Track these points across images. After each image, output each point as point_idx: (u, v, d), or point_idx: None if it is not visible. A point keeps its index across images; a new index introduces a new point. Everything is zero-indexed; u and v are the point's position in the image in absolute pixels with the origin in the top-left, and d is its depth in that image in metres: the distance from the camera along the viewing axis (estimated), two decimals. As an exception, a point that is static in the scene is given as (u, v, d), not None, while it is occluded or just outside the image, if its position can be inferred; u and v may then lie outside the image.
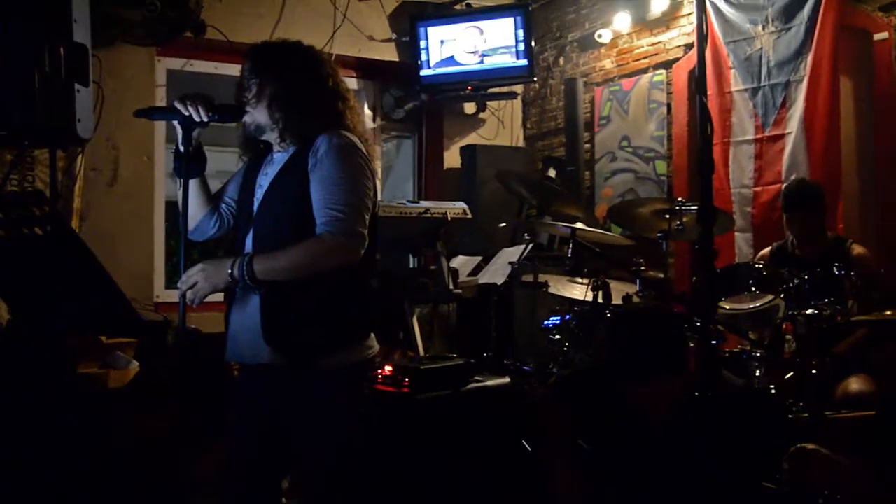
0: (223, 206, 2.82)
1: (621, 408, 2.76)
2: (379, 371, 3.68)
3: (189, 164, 2.61)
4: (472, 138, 6.78)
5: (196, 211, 2.71)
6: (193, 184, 2.66)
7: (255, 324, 2.54)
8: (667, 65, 5.78)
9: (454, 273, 4.72)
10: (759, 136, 5.10)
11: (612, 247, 4.52)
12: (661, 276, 4.08)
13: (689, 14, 5.60)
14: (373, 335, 2.69)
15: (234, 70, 5.99)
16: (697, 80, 2.22)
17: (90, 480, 3.72)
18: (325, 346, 2.54)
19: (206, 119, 2.59)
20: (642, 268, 3.82)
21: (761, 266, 3.73)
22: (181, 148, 2.61)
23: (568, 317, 4.45)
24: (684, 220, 3.91)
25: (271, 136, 2.66)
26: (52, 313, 2.21)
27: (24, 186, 5.13)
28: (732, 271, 3.70)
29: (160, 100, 5.80)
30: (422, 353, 4.63)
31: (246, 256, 2.49)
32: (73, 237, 2.03)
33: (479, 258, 5.35)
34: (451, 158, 6.74)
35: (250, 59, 2.68)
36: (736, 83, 5.21)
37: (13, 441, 3.68)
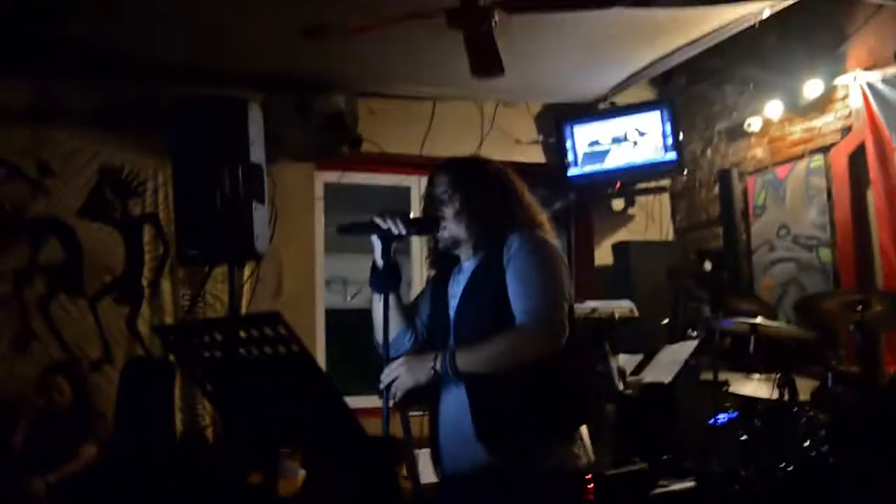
0: (417, 321, 2.85)
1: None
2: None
3: (388, 278, 2.66)
4: (621, 234, 6.73)
5: (392, 326, 2.72)
6: (390, 298, 2.69)
7: (465, 425, 2.53)
8: (824, 150, 5.63)
9: (622, 373, 4.65)
10: (931, 217, 4.88)
11: (792, 340, 4.37)
12: (855, 368, 3.91)
13: (844, 97, 5.47)
14: (581, 439, 2.63)
15: (385, 180, 6.33)
16: None
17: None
18: (538, 440, 2.49)
19: (404, 233, 2.66)
20: (833, 361, 3.67)
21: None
22: (379, 262, 2.68)
23: (736, 414, 4.29)
24: (877, 309, 3.75)
25: (464, 249, 2.71)
26: (273, 427, 2.26)
27: (197, 302, 5.37)
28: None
29: (319, 211, 6.03)
30: (591, 456, 4.53)
31: (449, 349, 2.51)
32: (308, 357, 2.08)
33: (641, 356, 5.25)
34: (602, 256, 6.71)
35: (444, 174, 2.75)
36: (902, 164, 5.03)
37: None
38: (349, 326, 6.81)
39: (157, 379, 4.24)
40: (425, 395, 2.68)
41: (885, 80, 5.10)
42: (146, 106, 5.10)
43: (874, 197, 5.24)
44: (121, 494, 3.84)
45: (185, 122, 4.15)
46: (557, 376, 2.55)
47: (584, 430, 4.43)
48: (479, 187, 2.69)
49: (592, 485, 3.53)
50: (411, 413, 4.16)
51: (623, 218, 6.81)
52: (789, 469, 3.50)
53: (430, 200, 2.76)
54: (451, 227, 2.68)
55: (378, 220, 2.64)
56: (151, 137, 5.19)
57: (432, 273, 2.89)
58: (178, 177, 4.26)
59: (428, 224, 2.73)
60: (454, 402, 2.58)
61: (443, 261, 2.82)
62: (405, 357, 2.58)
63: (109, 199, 5.27)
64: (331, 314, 6.21)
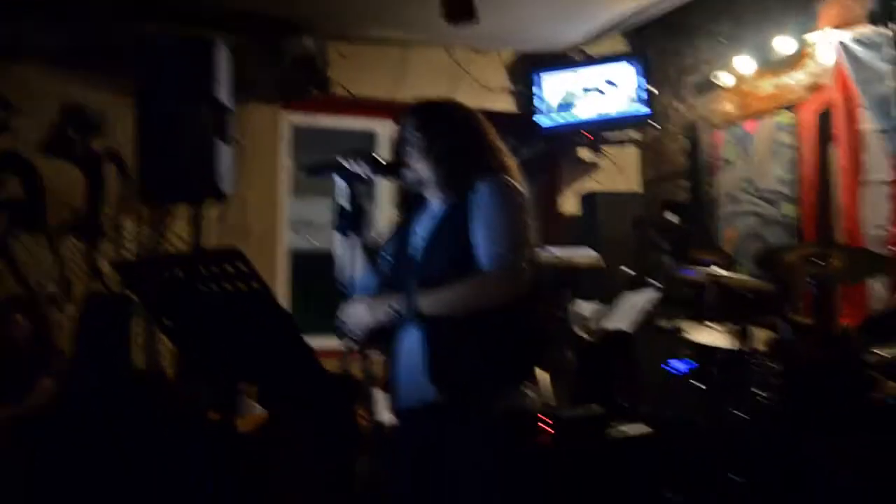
0: (381, 262, 2.85)
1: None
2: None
3: (353, 220, 2.66)
4: (589, 185, 6.75)
5: (356, 267, 2.73)
6: (354, 240, 2.69)
7: (419, 364, 2.55)
8: (792, 106, 5.66)
9: (583, 320, 4.69)
10: (894, 177, 4.94)
11: (750, 291, 4.42)
12: (809, 320, 3.98)
13: (814, 54, 5.48)
14: (535, 381, 2.67)
15: (354, 124, 6.28)
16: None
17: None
18: (493, 384, 2.53)
19: (370, 174, 2.65)
20: (789, 313, 3.73)
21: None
22: (344, 204, 2.67)
23: (693, 363, 4.36)
24: (836, 263, 3.80)
25: (431, 190, 2.71)
26: (232, 364, 2.27)
27: (160, 240, 5.35)
28: (889, 317, 3.58)
29: (285, 154, 5.98)
30: (551, 400, 4.60)
31: (410, 290, 2.52)
32: (268, 293, 2.08)
33: (602, 304, 5.31)
34: (568, 205, 6.73)
35: (414, 117, 2.73)
36: (868, 123, 5.07)
37: (149, 483, 3.79)
38: (314, 269, 6.80)
39: (116, 315, 4.22)
40: (386, 336, 2.70)
41: (856, 39, 5.12)
42: (113, 43, 5.01)
43: (839, 154, 5.29)
44: (78, 431, 3.84)
45: (152, 60, 4.12)
46: (515, 322, 2.58)
47: (543, 374, 4.52)
48: (446, 129, 2.68)
49: (550, 426, 3.59)
50: (371, 354, 4.19)
51: (592, 168, 6.82)
52: (743, 416, 3.57)
53: (399, 142, 2.75)
54: (417, 168, 2.68)
55: (343, 161, 2.63)
56: (117, 75, 5.11)
57: (399, 213, 2.89)
58: (142, 115, 4.23)
59: (393, 166, 2.73)
60: (411, 342, 2.59)
61: (410, 202, 2.81)
62: (366, 297, 2.59)
63: (72, 137, 5.19)
64: (295, 256, 6.21)
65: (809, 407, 2.68)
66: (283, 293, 5.98)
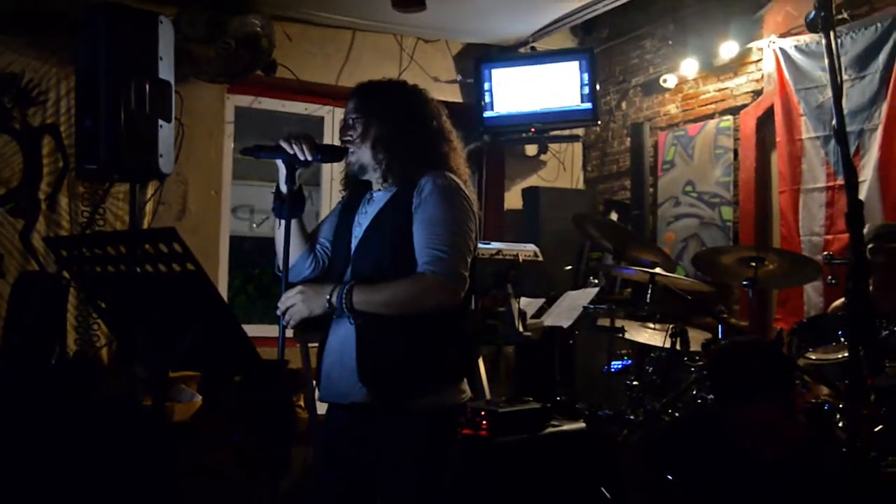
0: (318, 246, 2.81)
1: (725, 453, 2.69)
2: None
3: (291, 204, 2.61)
4: (532, 180, 6.79)
5: (293, 251, 2.69)
6: (292, 224, 2.63)
7: (349, 361, 2.52)
8: (734, 111, 5.76)
9: (523, 315, 4.70)
10: (830, 183, 5.05)
11: (688, 293, 4.48)
12: (745, 323, 4.04)
13: (757, 61, 5.58)
14: (465, 380, 2.66)
15: (299, 108, 6.21)
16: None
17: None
18: (420, 386, 2.51)
19: (310, 158, 2.59)
20: (724, 314, 3.78)
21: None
22: (283, 187, 2.62)
23: (630, 361, 4.42)
24: (770, 267, 3.87)
25: (373, 176, 2.66)
26: (161, 347, 2.22)
27: (96, 220, 5.22)
28: (820, 321, 3.65)
29: (228, 136, 5.88)
30: (487, 395, 4.61)
31: (347, 284, 2.48)
32: (202, 276, 2.03)
33: (543, 300, 5.33)
34: (512, 200, 6.75)
35: (355, 99, 2.67)
36: (807, 130, 5.17)
37: (78, 468, 3.71)
38: (254, 254, 6.73)
39: (49, 294, 4.11)
40: (320, 325, 2.67)
41: (797, 48, 5.22)
42: (54, 12, 4.87)
43: (777, 160, 5.39)
44: (5, 414, 3.73)
45: (93, 31, 3.99)
46: (448, 326, 2.55)
47: (480, 369, 4.53)
48: (389, 113, 2.62)
49: (486, 421, 3.59)
50: (310, 343, 4.16)
51: (535, 163, 6.85)
52: (675, 415, 3.62)
53: (342, 125, 2.71)
54: (357, 153, 2.63)
55: (284, 144, 2.57)
56: (56, 46, 4.99)
57: (343, 198, 2.84)
58: (81, 88, 4.10)
59: (335, 151, 2.68)
60: (342, 336, 2.56)
61: (355, 186, 2.76)
62: (303, 286, 2.54)
63: (8, 108, 5.03)
64: (235, 241, 6.12)
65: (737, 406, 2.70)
66: (223, 278, 5.89)
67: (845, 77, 4.94)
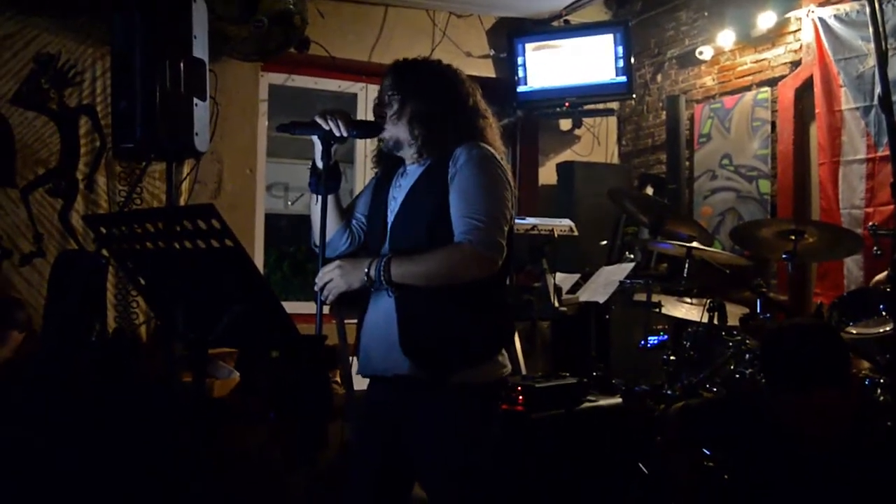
0: (354, 221, 2.83)
1: (771, 432, 2.66)
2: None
3: (327, 179, 2.62)
4: (566, 155, 6.75)
5: (330, 227, 2.69)
6: (328, 200, 2.65)
7: (391, 334, 2.53)
8: (771, 82, 5.67)
9: (559, 291, 4.69)
10: (871, 155, 4.96)
11: (725, 266, 4.44)
12: (784, 297, 3.99)
13: (796, 31, 5.49)
14: (505, 352, 2.66)
15: (333, 85, 6.19)
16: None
17: (187, 488, 3.77)
18: (465, 356, 2.52)
19: (345, 134, 2.60)
20: (763, 289, 3.74)
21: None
22: (319, 163, 2.63)
23: (666, 337, 4.38)
24: (810, 240, 3.81)
25: (408, 152, 2.66)
26: (200, 324, 2.24)
27: (133, 199, 5.27)
28: (861, 295, 3.60)
29: (262, 114, 5.90)
30: (523, 370, 4.61)
31: (384, 257, 2.49)
32: (241, 251, 2.04)
33: (578, 275, 5.31)
34: (546, 175, 6.72)
35: (392, 76, 2.67)
36: (847, 101, 5.08)
37: (115, 443, 3.76)
38: (289, 232, 6.77)
39: (89, 273, 4.15)
40: (360, 302, 2.68)
41: (837, 16, 5.12)
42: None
43: (817, 132, 5.31)
44: (48, 391, 3.79)
45: (128, 12, 4.01)
46: (488, 295, 2.56)
47: (517, 344, 4.52)
48: (424, 89, 2.62)
49: (522, 396, 3.59)
50: (347, 320, 4.17)
51: (570, 138, 6.81)
52: (713, 390, 3.60)
53: (378, 102, 2.71)
54: (392, 129, 2.63)
55: (320, 120, 2.58)
56: (92, 26, 5.02)
57: (377, 174, 2.85)
58: (117, 68, 4.12)
59: (370, 127, 2.69)
60: (383, 309, 2.56)
61: (387, 162, 2.77)
62: (340, 260, 2.55)
63: (45, 89, 5.07)
64: (270, 218, 6.15)
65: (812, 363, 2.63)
66: (258, 255, 5.93)
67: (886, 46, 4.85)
